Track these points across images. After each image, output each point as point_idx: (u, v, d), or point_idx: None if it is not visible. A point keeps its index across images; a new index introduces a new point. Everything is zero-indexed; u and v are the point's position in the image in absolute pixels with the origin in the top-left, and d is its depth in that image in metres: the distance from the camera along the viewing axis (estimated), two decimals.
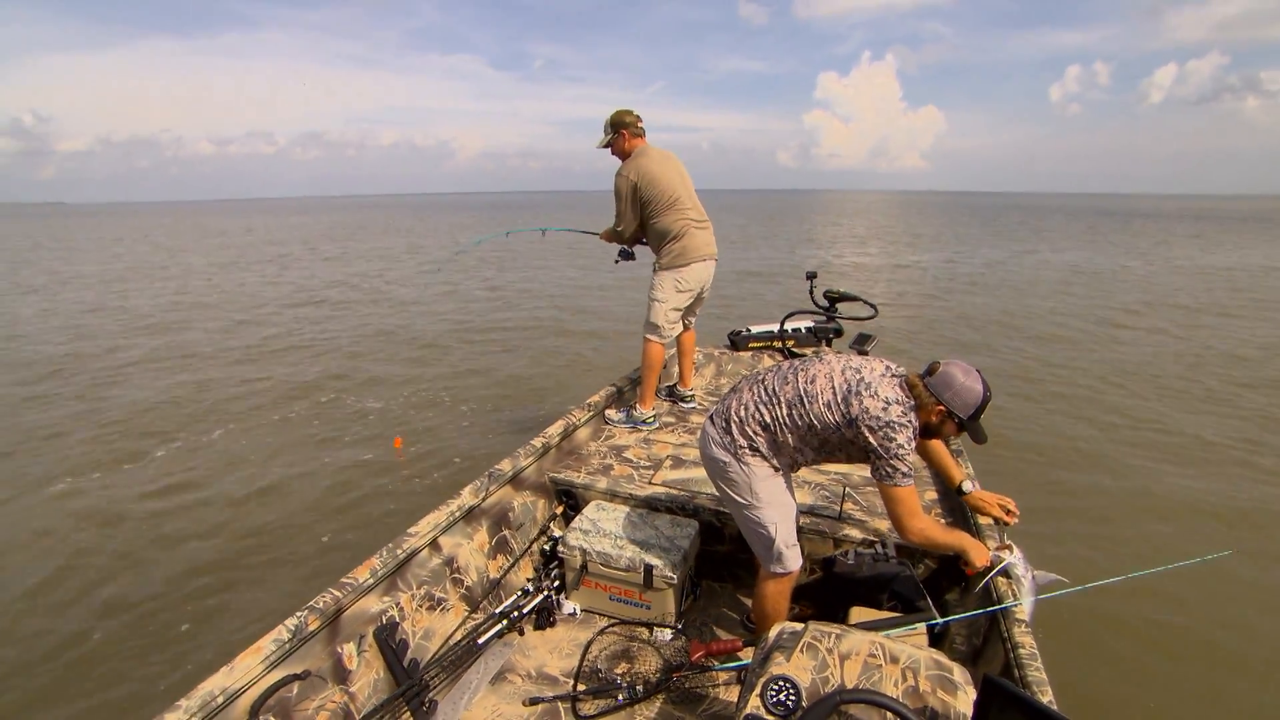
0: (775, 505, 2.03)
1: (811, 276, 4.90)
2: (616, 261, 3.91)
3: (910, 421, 1.86)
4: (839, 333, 4.91)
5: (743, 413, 2.02)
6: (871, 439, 1.85)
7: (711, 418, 2.15)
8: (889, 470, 1.87)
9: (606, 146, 3.53)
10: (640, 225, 3.57)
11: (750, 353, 4.90)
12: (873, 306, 4.65)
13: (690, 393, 3.97)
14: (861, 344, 4.49)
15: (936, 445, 2.28)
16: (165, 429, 6.02)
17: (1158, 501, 4.73)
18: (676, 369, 4.05)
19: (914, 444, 1.88)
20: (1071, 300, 13.00)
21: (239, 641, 3.04)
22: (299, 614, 1.86)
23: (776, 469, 2.03)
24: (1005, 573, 2.12)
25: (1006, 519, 2.32)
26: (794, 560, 2.06)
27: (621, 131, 3.46)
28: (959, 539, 2.06)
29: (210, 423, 6.24)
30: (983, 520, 2.39)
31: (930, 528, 1.99)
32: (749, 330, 4.97)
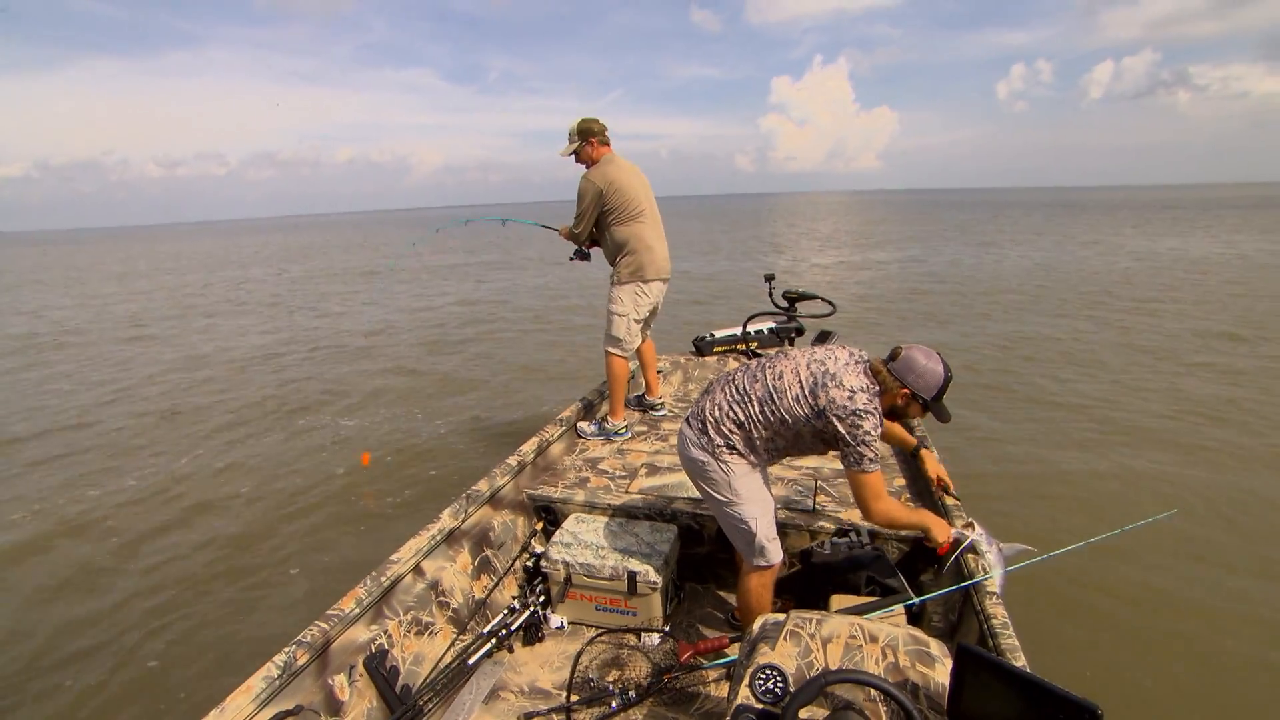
0: (755, 501, 2.09)
1: (770, 278, 5.00)
2: (571, 259, 3.92)
3: (876, 408, 1.95)
4: (800, 331, 5.01)
5: (717, 413, 2.08)
6: (840, 427, 1.93)
7: (688, 420, 2.21)
8: (856, 456, 1.95)
9: (572, 154, 3.51)
10: (598, 231, 3.60)
11: (716, 357, 4.98)
12: (831, 304, 4.77)
13: (659, 401, 4.03)
14: (823, 341, 4.60)
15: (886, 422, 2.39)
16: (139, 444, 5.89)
17: (1109, 473, 4.96)
18: (642, 380, 4.10)
19: (880, 430, 1.96)
20: (1027, 288, 13.48)
21: (217, 677, 3.02)
22: (287, 649, 1.86)
23: (754, 465, 2.09)
24: (972, 549, 2.21)
25: (937, 486, 2.52)
26: (775, 553, 2.12)
27: (590, 139, 3.46)
28: (921, 517, 2.16)
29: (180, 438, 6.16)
30: (948, 501, 2.49)
31: (893, 509, 2.08)
32: (713, 335, 5.05)
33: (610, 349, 3.65)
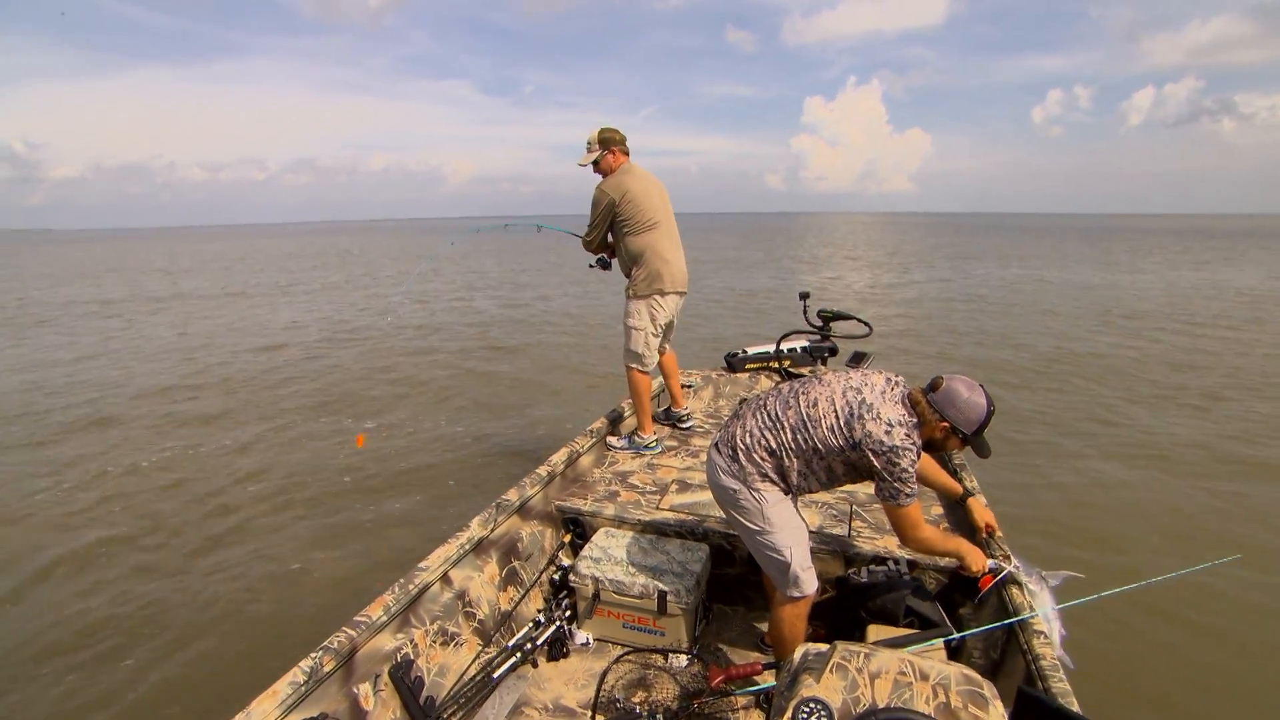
0: (789, 529, 2.03)
1: (805, 296, 4.95)
2: (591, 266, 3.88)
3: (914, 443, 1.87)
4: (834, 351, 4.95)
5: (748, 439, 2.02)
6: (876, 462, 1.86)
7: (717, 446, 2.15)
8: (893, 491, 1.89)
9: (592, 163, 3.46)
10: (614, 242, 3.56)
11: (747, 374, 4.93)
12: (867, 325, 4.69)
13: (685, 412, 3.97)
14: (857, 362, 4.53)
15: (929, 463, 2.30)
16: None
17: (1164, 509, 4.77)
18: (666, 392, 4.04)
19: (917, 465, 1.89)
20: (1065, 313, 13.18)
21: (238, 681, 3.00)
22: (314, 655, 1.83)
23: (786, 492, 2.03)
24: (1013, 580, 2.14)
25: (984, 532, 2.39)
26: (810, 583, 2.05)
27: (610, 149, 3.42)
28: (958, 545, 2.10)
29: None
30: (987, 518, 2.42)
31: (932, 536, 2.01)
32: (745, 352, 5.00)
33: (631, 364, 3.60)
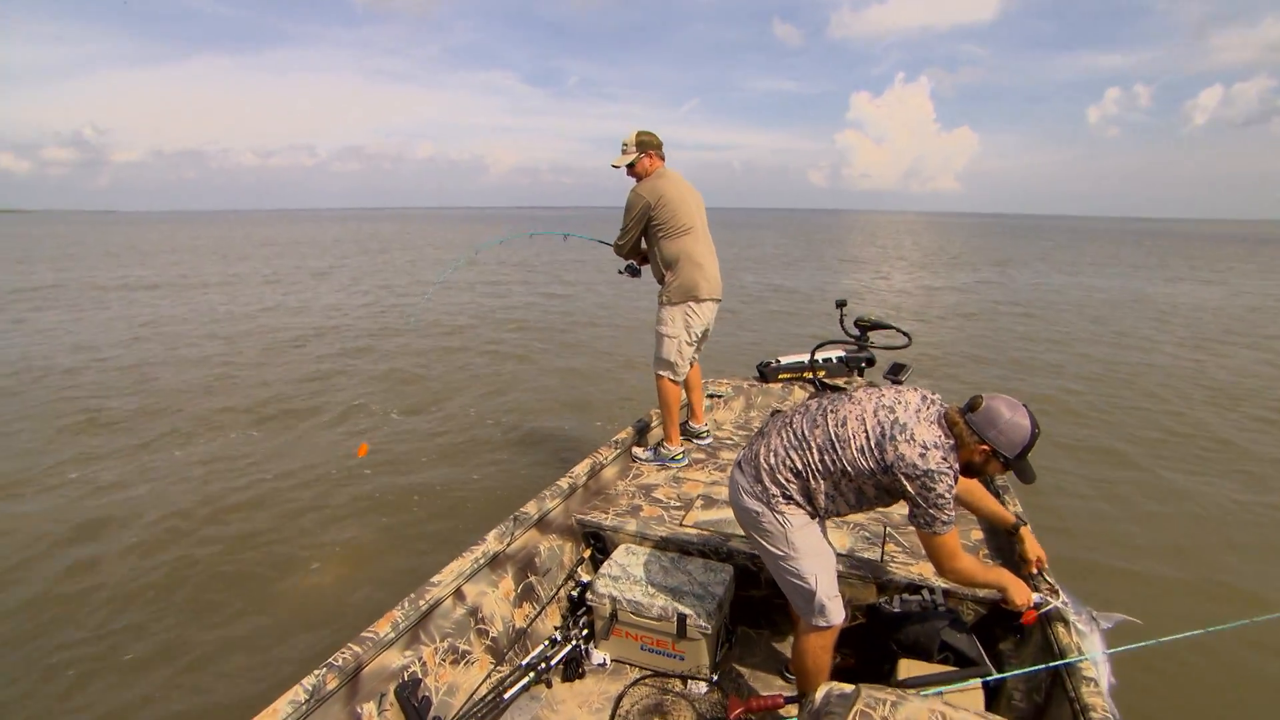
0: (814, 555, 1.91)
1: (841, 304, 4.80)
2: (620, 273, 3.80)
3: (951, 467, 1.73)
4: (871, 362, 4.78)
5: (772, 459, 1.91)
6: (909, 487, 1.73)
7: (740, 465, 2.03)
8: (928, 519, 1.75)
9: (626, 166, 3.39)
10: (646, 247, 3.48)
11: (780, 384, 4.79)
12: (906, 335, 4.52)
13: (704, 428, 3.85)
14: (896, 374, 4.36)
15: (976, 488, 2.15)
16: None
17: (1231, 545, 4.44)
18: (687, 405, 3.91)
19: (955, 490, 1.76)
20: (1120, 325, 12.49)
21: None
22: (317, 672, 1.78)
23: (812, 516, 1.91)
24: (1060, 617, 1.98)
25: (1034, 566, 2.20)
26: (837, 613, 1.93)
27: (648, 152, 3.36)
28: (999, 576, 1.95)
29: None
30: (1037, 552, 2.25)
31: (971, 567, 1.86)
32: (778, 361, 4.86)
33: (661, 372, 3.50)
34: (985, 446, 1.73)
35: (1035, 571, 2.19)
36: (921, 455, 1.71)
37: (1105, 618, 1.98)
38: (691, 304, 3.40)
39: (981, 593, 2.22)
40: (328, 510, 4.82)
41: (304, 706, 1.70)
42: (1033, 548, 2.20)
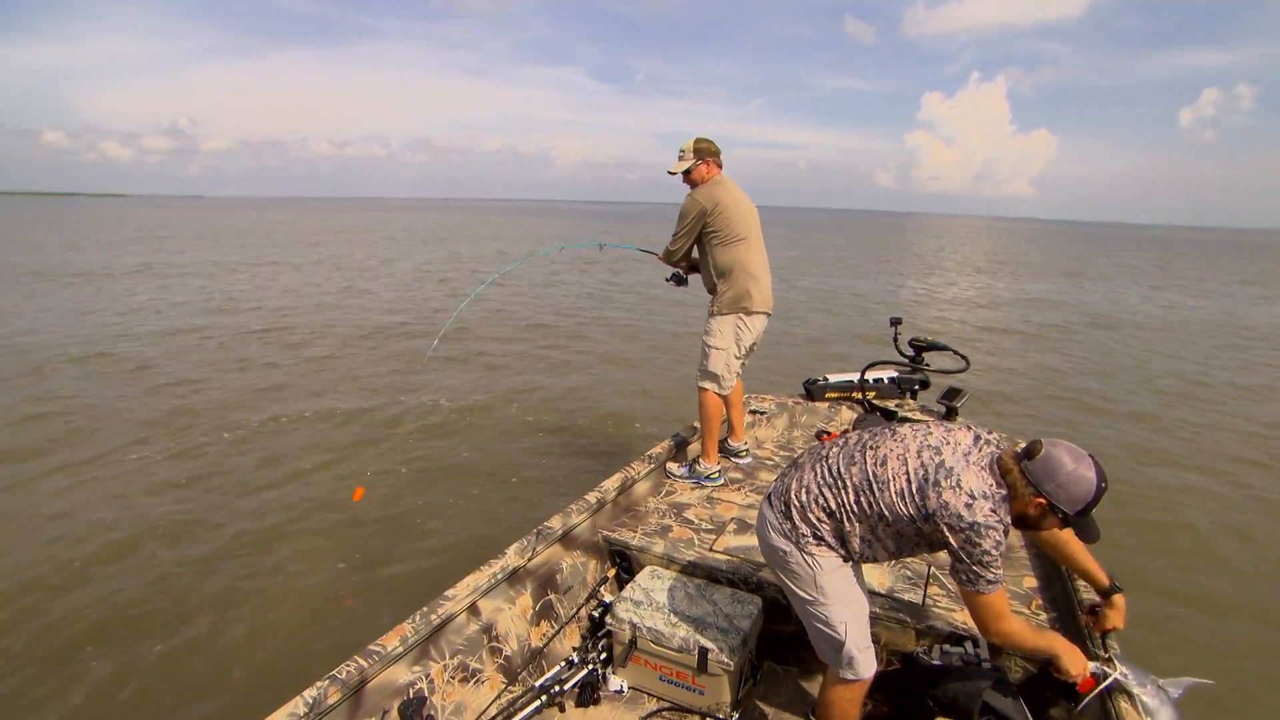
0: (845, 602, 1.76)
1: (896, 322, 4.60)
2: (667, 280, 3.71)
3: (1001, 520, 1.56)
4: (925, 385, 4.56)
5: (804, 496, 1.76)
6: (952, 539, 1.57)
7: (770, 498, 1.90)
8: (971, 576, 1.59)
9: (684, 172, 3.32)
10: (699, 254, 3.38)
11: (827, 404, 4.61)
12: (964, 358, 4.30)
13: (743, 446, 3.70)
14: (951, 399, 4.14)
15: (1070, 538, 1.94)
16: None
17: None
18: (727, 422, 3.78)
19: (1004, 547, 1.58)
20: (1219, 354, 11.09)
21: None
22: (319, 684, 1.73)
23: (846, 559, 1.76)
24: (1121, 689, 1.79)
25: (1097, 628, 2.00)
26: (867, 666, 1.78)
27: (706, 159, 3.29)
28: (1051, 642, 1.75)
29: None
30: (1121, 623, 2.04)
31: (1019, 631, 1.68)
32: (826, 379, 4.68)
33: (705, 384, 3.38)
34: (1041, 500, 1.55)
35: (1099, 635, 1.99)
36: (968, 505, 1.55)
37: (1173, 684, 1.78)
38: (742, 316, 3.30)
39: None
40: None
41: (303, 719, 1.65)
42: (1117, 618, 1.97)
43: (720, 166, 3.35)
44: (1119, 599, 1.98)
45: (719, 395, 3.38)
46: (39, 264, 19.05)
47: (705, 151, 3.29)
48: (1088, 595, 2.18)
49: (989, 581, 1.57)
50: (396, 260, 22.79)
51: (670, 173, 3.37)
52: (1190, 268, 31.16)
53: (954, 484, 1.57)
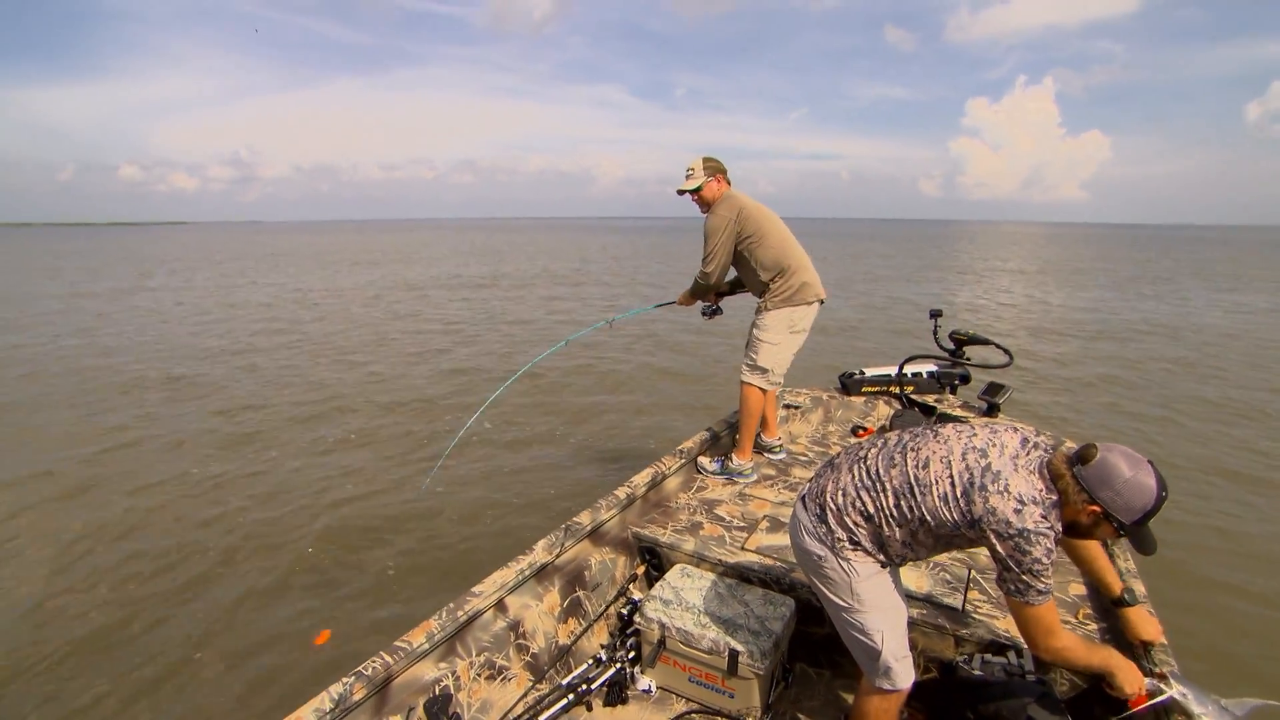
0: (882, 609, 1.69)
1: (936, 315, 4.46)
2: (706, 317, 3.69)
3: (1051, 527, 1.47)
4: (965, 379, 4.42)
5: (841, 499, 1.69)
6: (999, 547, 1.49)
7: (804, 500, 1.82)
8: (1020, 586, 1.50)
9: (694, 191, 3.28)
10: (737, 263, 3.32)
11: (863, 398, 4.50)
12: (1007, 353, 4.15)
13: (776, 442, 3.63)
14: (992, 395, 4.00)
15: (1089, 545, 1.86)
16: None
17: None
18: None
19: (1055, 554, 1.50)
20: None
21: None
22: (344, 680, 1.72)
23: (883, 564, 1.69)
24: (1180, 710, 1.69)
25: (1140, 647, 1.90)
26: (905, 676, 1.71)
27: (716, 175, 3.27)
28: (1106, 658, 1.65)
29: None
30: (1146, 635, 1.94)
31: (1071, 646, 1.59)
32: (863, 373, 4.57)
33: (750, 379, 3.30)
34: (1096, 508, 1.46)
35: (1145, 651, 1.89)
36: (1016, 511, 1.47)
37: (1238, 705, 1.68)
38: (795, 308, 3.24)
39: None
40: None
41: (328, 716, 1.65)
42: (1144, 629, 1.89)
43: (729, 183, 3.32)
44: (1135, 613, 1.91)
45: (762, 391, 3.31)
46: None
47: (715, 169, 3.28)
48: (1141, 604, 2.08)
49: (1039, 592, 1.49)
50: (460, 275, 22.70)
51: (680, 191, 3.33)
52: (1262, 270, 29.09)
53: (1001, 489, 1.49)
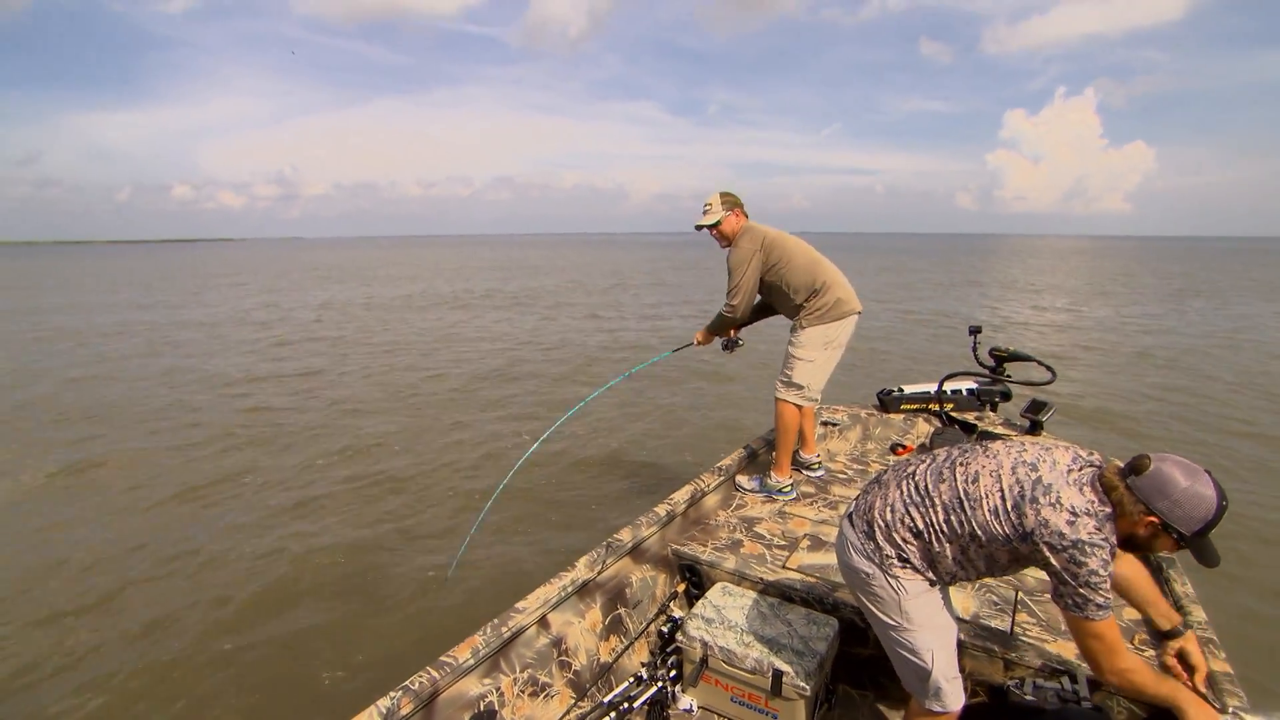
0: (932, 629, 1.67)
1: (975, 331, 4.40)
2: (727, 350, 3.67)
3: (1107, 539, 1.45)
4: (1006, 397, 4.35)
5: (889, 515, 1.68)
6: (1054, 560, 1.46)
7: (850, 518, 1.81)
8: (1078, 600, 1.46)
9: (713, 225, 3.31)
10: (766, 289, 3.33)
11: (902, 416, 4.45)
12: (1049, 369, 4.07)
13: (815, 459, 3.59)
14: (1035, 412, 3.92)
15: (1137, 570, 1.81)
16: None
17: None
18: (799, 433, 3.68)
19: (1112, 567, 1.47)
20: None
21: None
22: (392, 695, 1.75)
23: (933, 583, 1.67)
24: None
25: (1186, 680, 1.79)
26: (955, 698, 1.68)
27: (734, 209, 3.30)
28: (1174, 691, 1.58)
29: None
30: (1216, 665, 1.87)
31: (1138, 669, 1.53)
32: (901, 390, 4.52)
33: (787, 396, 3.28)
34: (1153, 518, 1.43)
35: (1209, 683, 1.82)
36: (1069, 523, 1.45)
37: None
38: (831, 324, 3.22)
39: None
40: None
41: None
42: (1200, 659, 1.81)
43: (747, 215, 3.35)
44: (1187, 645, 1.80)
45: (798, 408, 3.29)
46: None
47: (732, 203, 3.31)
48: (1202, 633, 2.02)
49: (1099, 606, 1.45)
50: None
51: (698, 227, 3.36)
52: None
53: (1053, 501, 1.47)
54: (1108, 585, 1.46)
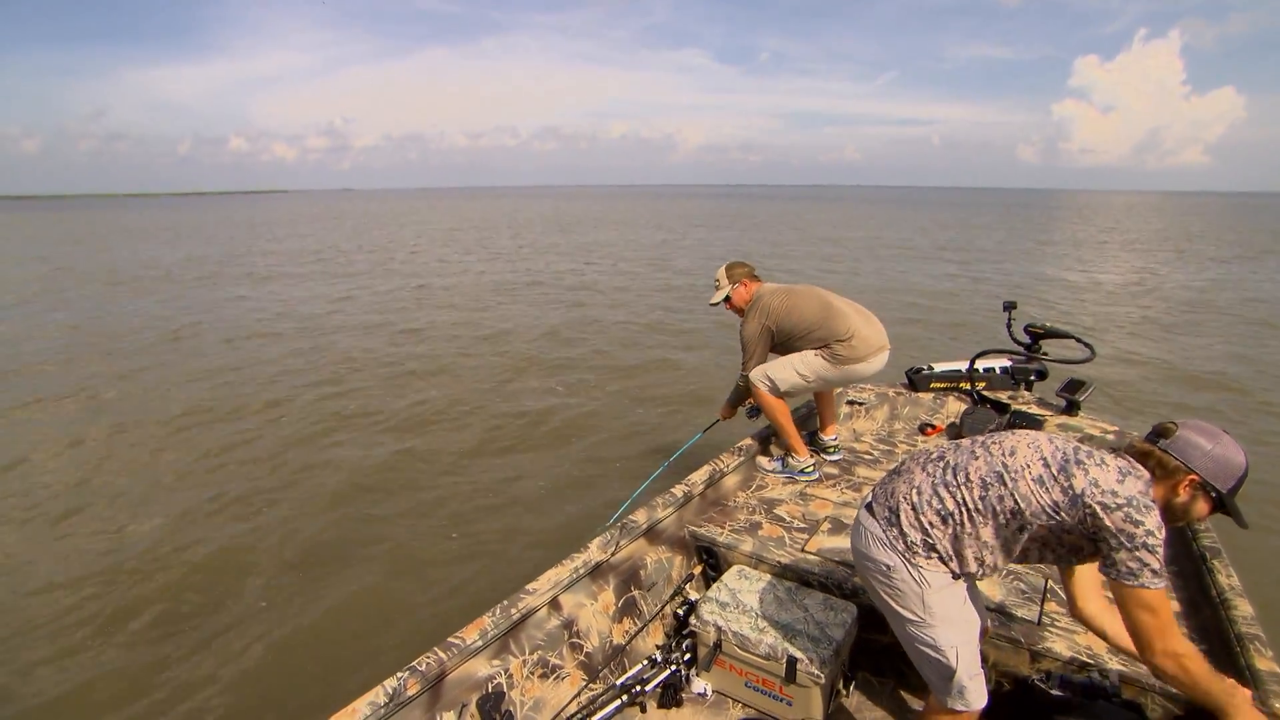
0: (956, 623, 1.59)
1: (1010, 307, 4.24)
2: (751, 418, 3.59)
3: (1155, 501, 1.40)
4: (1042, 375, 4.18)
5: (915, 497, 1.59)
6: (1108, 520, 1.37)
7: (869, 506, 1.72)
8: (1134, 566, 1.35)
9: (724, 301, 3.32)
10: (785, 351, 3.23)
11: (932, 394, 4.31)
12: (1088, 347, 3.91)
13: (833, 440, 3.48)
14: (1072, 392, 3.77)
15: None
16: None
17: None
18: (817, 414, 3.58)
19: (1165, 532, 1.39)
20: None
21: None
22: (399, 675, 1.73)
23: (957, 575, 1.58)
24: None
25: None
26: (978, 696, 1.60)
27: (740, 281, 3.28)
28: (1229, 691, 1.45)
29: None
30: (1262, 664, 1.77)
31: (1193, 655, 1.40)
32: (931, 368, 4.37)
33: (755, 379, 3.17)
34: (1195, 475, 1.40)
35: (1253, 683, 1.71)
36: (1119, 480, 1.40)
37: None
38: (844, 365, 3.10)
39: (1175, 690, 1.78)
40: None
41: (383, 710, 1.66)
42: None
43: (758, 279, 3.32)
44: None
45: (769, 397, 3.17)
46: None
47: (739, 274, 3.29)
48: (1248, 629, 1.91)
49: (1154, 573, 1.35)
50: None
51: (712, 305, 3.36)
52: None
53: (1099, 462, 1.44)
54: (1163, 550, 1.38)
